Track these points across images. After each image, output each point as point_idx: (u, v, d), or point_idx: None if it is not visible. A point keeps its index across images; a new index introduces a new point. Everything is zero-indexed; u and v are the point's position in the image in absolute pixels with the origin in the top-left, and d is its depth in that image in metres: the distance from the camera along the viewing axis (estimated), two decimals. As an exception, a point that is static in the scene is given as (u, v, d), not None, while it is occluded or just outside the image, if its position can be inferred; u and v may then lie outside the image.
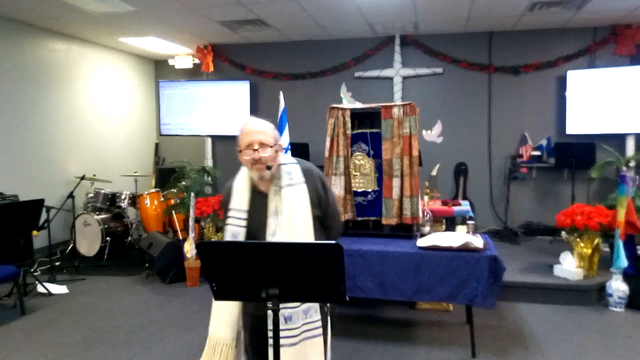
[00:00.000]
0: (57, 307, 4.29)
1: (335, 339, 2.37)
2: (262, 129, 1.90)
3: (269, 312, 1.63)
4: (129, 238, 6.16)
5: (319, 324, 1.97)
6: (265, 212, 1.95)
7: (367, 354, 3.33)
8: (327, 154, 3.64)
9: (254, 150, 1.87)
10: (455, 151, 6.69)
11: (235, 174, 2.06)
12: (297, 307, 1.92)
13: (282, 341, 1.86)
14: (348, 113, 3.62)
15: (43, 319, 4.03)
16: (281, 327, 1.85)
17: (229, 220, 1.99)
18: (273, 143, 1.91)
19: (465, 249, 3.19)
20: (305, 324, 1.94)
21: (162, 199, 6.21)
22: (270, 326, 1.84)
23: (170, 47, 7.28)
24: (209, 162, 7.39)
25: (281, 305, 1.86)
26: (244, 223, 1.96)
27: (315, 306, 1.96)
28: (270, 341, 1.65)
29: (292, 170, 1.98)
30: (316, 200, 2.00)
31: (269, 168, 1.89)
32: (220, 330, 2.01)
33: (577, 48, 6.34)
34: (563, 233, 4.50)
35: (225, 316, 2.01)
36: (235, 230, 1.97)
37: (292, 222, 1.92)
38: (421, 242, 3.34)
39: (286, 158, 2.02)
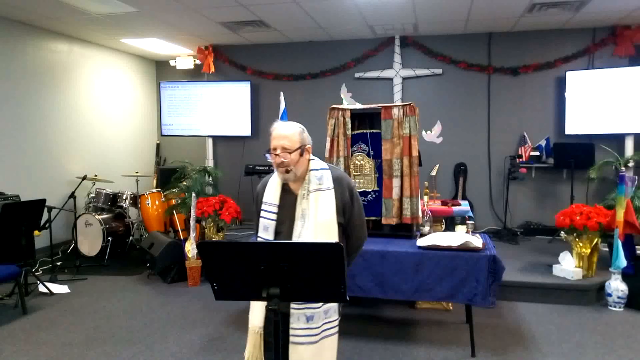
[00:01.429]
0: (58, 307, 4.30)
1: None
2: (285, 134, 2.00)
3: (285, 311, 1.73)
4: (130, 238, 6.18)
5: (337, 323, 2.05)
6: (293, 213, 2.04)
7: (366, 353, 3.35)
8: (327, 154, 3.66)
9: (276, 154, 1.98)
10: (454, 151, 6.71)
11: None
12: (319, 307, 1.98)
13: (302, 339, 1.96)
14: (348, 114, 3.64)
15: (44, 318, 4.04)
16: (303, 326, 1.96)
17: (262, 213, 2.11)
18: (297, 146, 1.99)
19: (465, 248, 3.20)
20: (325, 323, 2.01)
21: (163, 199, 6.23)
22: (292, 324, 1.96)
23: (172, 47, 7.31)
24: (209, 163, 7.41)
25: (304, 306, 1.95)
26: (274, 217, 2.07)
27: (335, 306, 2.03)
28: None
29: (322, 175, 2.05)
30: (341, 208, 2.07)
31: (287, 172, 1.99)
32: (253, 318, 2.12)
33: (576, 49, 6.36)
34: (562, 233, 4.51)
35: (257, 306, 2.10)
36: (266, 222, 2.08)
37: (317, 227, 1.99)
38: (421, 242, 3.36)
39: (318, 164, 2.09)
